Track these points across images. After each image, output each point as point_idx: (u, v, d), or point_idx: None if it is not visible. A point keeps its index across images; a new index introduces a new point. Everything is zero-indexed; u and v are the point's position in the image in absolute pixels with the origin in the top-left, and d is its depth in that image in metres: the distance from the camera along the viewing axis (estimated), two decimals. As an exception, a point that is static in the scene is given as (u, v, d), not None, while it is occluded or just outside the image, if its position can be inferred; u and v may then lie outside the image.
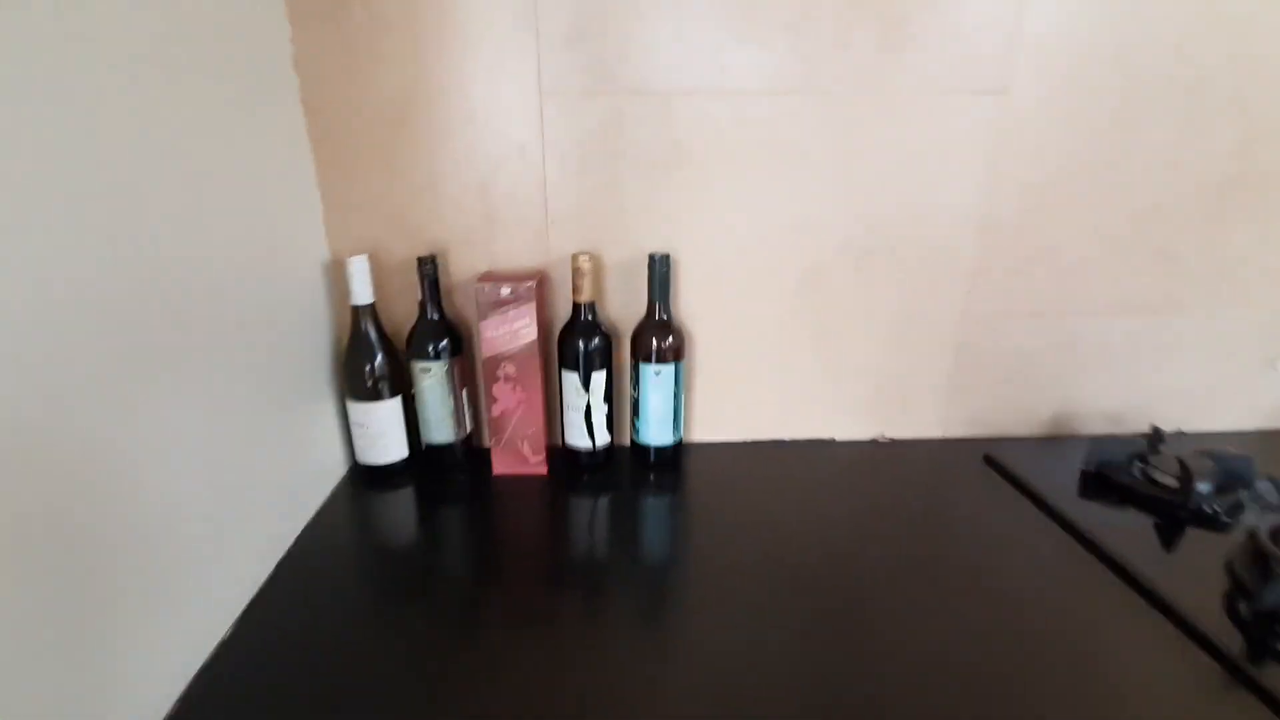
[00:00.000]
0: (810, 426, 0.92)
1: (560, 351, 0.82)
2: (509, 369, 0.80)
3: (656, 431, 0.84)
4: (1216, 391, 0.92)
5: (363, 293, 0.78)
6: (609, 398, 0.83)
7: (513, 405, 0.82)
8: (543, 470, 0.85)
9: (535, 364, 0.80)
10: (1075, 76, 0.77)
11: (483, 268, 0.84)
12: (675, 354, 0.81)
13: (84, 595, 0.45)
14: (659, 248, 0.82)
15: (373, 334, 0.79)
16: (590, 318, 0.80)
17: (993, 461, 0.87)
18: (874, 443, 0.93)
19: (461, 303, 0.86)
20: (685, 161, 0.79)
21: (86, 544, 0.45)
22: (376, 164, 0.78)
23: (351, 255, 0.76)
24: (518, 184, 0.80)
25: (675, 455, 0.86)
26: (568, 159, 0.79)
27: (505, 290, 0.77)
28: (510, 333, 0.78)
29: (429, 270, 0.79)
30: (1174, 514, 0.75)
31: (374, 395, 0.80)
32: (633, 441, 0.87)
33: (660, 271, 0.79)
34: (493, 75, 0.76)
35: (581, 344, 0.79)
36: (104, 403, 0.47)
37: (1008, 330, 0.88)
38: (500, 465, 0.84)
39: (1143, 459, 0.81)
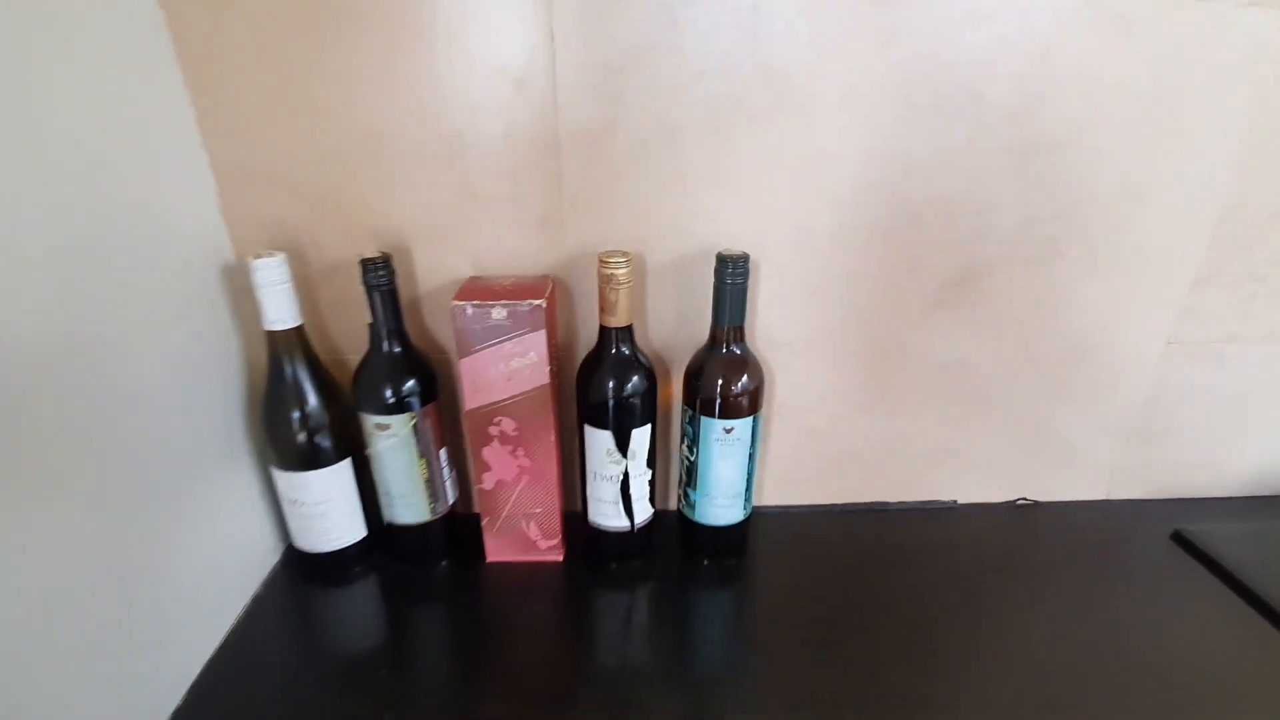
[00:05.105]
0: (925, 486, 0.67)
1: (582, 398, 0.55)
2: (506, 425, 0.54)
3: (720, 508, 0.58)
4: None
5: (280, 311, 0.50)
6: (653, 461, 0.57)
7: (512, 475, 0.56)
8: (556, 557, 0.60)
9: (546, 418, 0.54)
10: None
11: (463, 273, 0.56)
12: (752, 403, 0.55)
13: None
14: (728, 240, 0.54)
15: (300, 372, 0.53)
16: (627, 349, 0.53)
17: (1185, 541, 0.62)
18: (1015, 506, 0.68)
19: (434, 324, 0.59)
20: (779, 99, 0.50)
21: None
22: (281, 107, 0.49)
23: (259, 254, 0.49)
24: (513, 139, 0.51)
25: (741, 535, 0.61)
26: (592, 97, 0.50)
27: (498, 312, 0.50)
28: (507, 373, 0.52)
29: (380, 278, 0.51)
30: None
31: (307, 461, 0.54)
32: (681, 515, 0.61)
33: (734, 281, 0.51)
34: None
35: (614, 388, 0.53)
36: None
37: (1225, 359, 0.61)
38: (496, 551, 0.60)
39: None
